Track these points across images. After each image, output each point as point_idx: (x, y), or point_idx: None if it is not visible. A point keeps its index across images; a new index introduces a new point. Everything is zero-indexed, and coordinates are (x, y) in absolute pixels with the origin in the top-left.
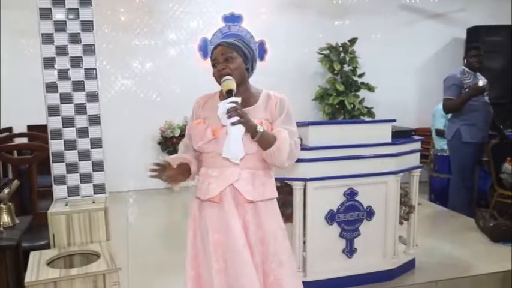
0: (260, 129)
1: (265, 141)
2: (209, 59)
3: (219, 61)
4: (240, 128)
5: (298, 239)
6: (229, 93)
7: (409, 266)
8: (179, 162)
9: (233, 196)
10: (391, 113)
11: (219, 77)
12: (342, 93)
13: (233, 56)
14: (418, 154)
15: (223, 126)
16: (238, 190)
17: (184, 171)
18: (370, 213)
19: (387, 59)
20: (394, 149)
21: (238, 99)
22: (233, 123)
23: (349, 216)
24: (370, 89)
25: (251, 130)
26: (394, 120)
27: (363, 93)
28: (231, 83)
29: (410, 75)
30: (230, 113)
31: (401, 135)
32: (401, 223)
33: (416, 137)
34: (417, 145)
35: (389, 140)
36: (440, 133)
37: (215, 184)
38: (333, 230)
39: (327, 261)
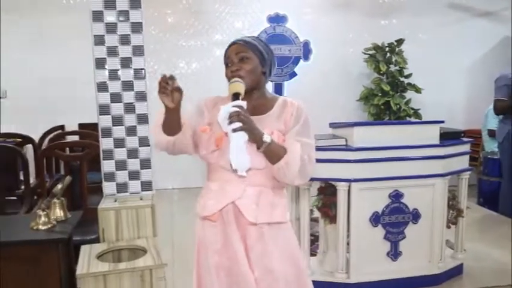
0: (267, 139)
1: (272, 153)
2: None
3: (233, 61)
4: (242, 136)
5: (342, 240)
6: (235, 97)
7: (456, 271)
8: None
9: (235, 215)
10: (438, 114)
11: (231, 78)
12: (387, 94)
13: (249, 56)
14: (467, 156)
15: (226, 135)
16: (239, 209)
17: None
18: (416, 216)
19: (435, 59)
20: (442, 151)
21: (243, 103)
22: (234, 130)
23: (395, 219)
24: (417, 90)
25: (256, 139)
26: (442, 122)
27: (409, 93)
28: (238, 85)
29: (459, 75)
30: (232, 118)
31: (449, 137)
32: (448, 227)
33: (465, 139)
34: (466, 147)
35: (437, 141)
36: (492, 134)
37: (214, 200)
38: (378, 232)
39: (371, 263)
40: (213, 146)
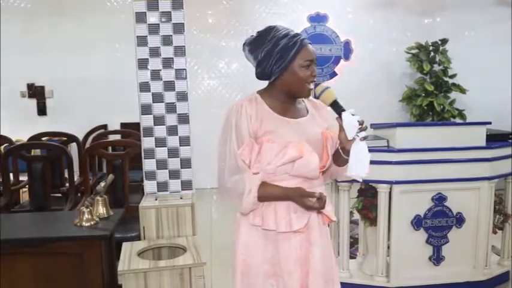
0: None
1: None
2: None
3: (314, 63)
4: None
5: (382, 243)
6: (335, 105)
7: (502, 278)
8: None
9: (312, 220)
10: (485, 116)
11: (309, 82)
12: (431, 94)
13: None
14: None
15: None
16: (325, 213)
17: None
18: (460, 220)
19: (481, 58)
20: (489, 153)
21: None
22: (364, 138)
23: (437, 222)
24: (462, 90)
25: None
26: (489, 123)
27: (453, 94)
28: (333, 93)
29: (506, 74)
30: (362, 126)
31: (496, 139)
32: (494, 232)
33: None
34: None
35: (484, 143)
36: None
37: (300, 212)
38: (420, 236)
39: (412, 267)
40: (295, 154)
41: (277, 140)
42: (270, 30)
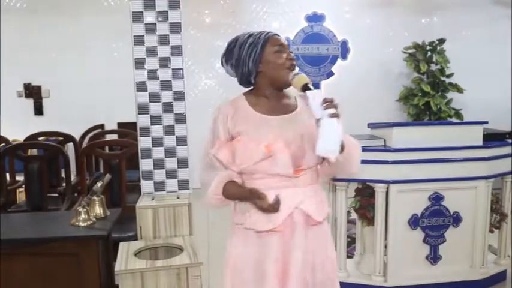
0: None
1: (343, 145)
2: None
3: (286, 49)
4: (338, 121)
5: (379, 242)
6: (306, 89)
7: (499, 277)
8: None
9: (294, 220)
10: (482, 115)
11: (289, 67)
12: (428, 94)
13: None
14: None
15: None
16: (307, 212)
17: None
18: (457, 219)
19: (479, 57)
20: (486, 152)
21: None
22: (332, 115)
23: (434, 222)
24: (459, 90)
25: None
26: (486, 122)
27: (450, 94)
28: (304, 77)
29: (504, 74)
30: (328, 104)
31: (493, 138)
32: (491, 231)
33: (510, 140)
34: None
35: (480, 143)
36: None
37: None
38: (417, 235)
39: (409, 267)
40: (264, 153)
41: (251, 140)
42: (235, 37)
